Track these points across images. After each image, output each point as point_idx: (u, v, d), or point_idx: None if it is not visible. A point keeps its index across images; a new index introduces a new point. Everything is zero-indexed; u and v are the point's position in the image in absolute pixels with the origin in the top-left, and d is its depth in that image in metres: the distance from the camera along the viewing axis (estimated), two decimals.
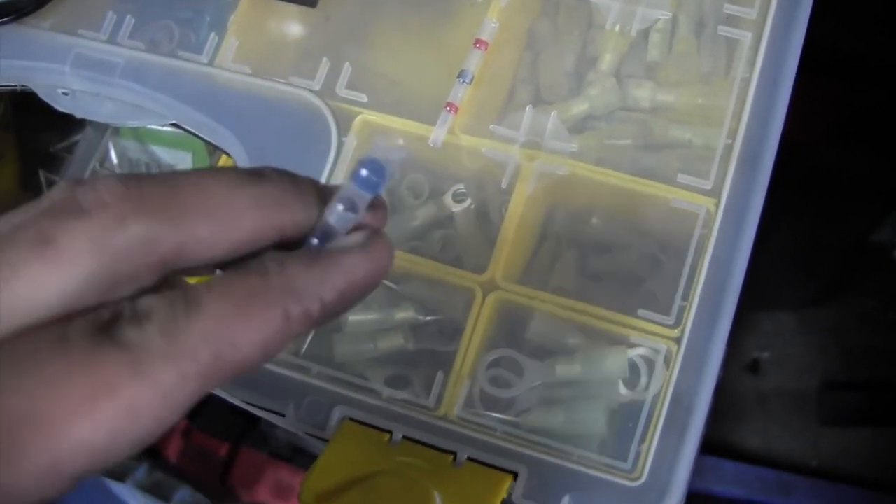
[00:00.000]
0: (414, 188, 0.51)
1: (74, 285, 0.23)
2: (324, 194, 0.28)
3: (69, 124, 0.72)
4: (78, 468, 0.22)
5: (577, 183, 0.48)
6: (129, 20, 0.55)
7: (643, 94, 0.50)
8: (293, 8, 0.54)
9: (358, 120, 0.51)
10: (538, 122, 0.49)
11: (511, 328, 0.47)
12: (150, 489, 0.73)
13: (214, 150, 0.63)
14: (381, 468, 0.43)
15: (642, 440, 0.44)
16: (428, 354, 0.48)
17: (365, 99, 0.51)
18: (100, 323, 0.23)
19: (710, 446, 1.03)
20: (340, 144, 0.50)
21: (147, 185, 0.25)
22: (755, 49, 0.49)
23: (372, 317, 0.48)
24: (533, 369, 0.46)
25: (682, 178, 0.47)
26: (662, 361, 0.45)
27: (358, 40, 0.53)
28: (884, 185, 0.98)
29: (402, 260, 0.48)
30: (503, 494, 0.42)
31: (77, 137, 0.73)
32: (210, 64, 0.54)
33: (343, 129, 0.51)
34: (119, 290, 0.24)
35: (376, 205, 0.28)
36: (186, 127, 0.53)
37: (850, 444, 1.04)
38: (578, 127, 0.50)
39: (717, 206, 0.46)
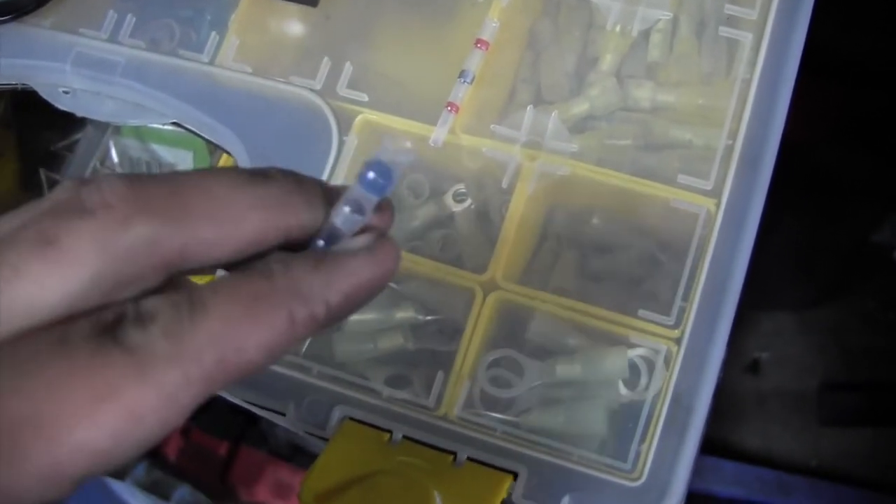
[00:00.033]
0: (414, 188, 0.51)
1: (77, 286, 0.23)
2: (330, 195, 0.27)
3: (70, 123, 0.72)
4: (79, 471, 0.22)
5: (577, 183, 0.48)
6: (130, 19, 0.55)
7: (644, 94, 0.50)
8: (294, 7, 0.54)
9: (359, 119, 0.51)
10: (539, 122, 0.49)
11: (511, 328, 0.47)
12: (149, 487, 0.74)
13: (215, 149, 0.63)
14: (381, 468, 0.43)
15: (642, 440, 0.44)
16: (428, 354, 0.48)
17: (366, 98, 0.51)
18: (103, 324, 0.23)
19: (710, 446, 1.03)
20: (341, 144, 0.50)
21: (151, 185, 0.24)
22: (756, 50, 0.49)
23: (372, 316, 0.48)
24: (533, 369, 0.46)
25: (682, 178, 0.47)
26: (662, 362, 0.45)
27: (359, 40, 0.53)
28: (884, 186, 0.98)
29: (403, 259, 0.48)
30: (503, 494, 0.42)
31: (78, 136, 0.73)
32: (211, 63, 0.54)
33: (344, 129, 0.51)
34: (122, 291, 0.24)
35: (383, 206, 0.28)
36: (187, 126, 0.53)
37: (850, 445, 1.04)
38: (579, 127, 0.50)
39: (717, 206, 0.46)
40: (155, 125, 0.55)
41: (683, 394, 0.44)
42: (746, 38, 0.49)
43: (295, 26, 0.54)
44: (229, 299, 0.24)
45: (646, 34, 0.51)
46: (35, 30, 0.56)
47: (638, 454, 0.44)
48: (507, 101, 0.51)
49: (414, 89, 0.51)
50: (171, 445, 0.76)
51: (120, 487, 0.73)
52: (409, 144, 0.24)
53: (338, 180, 0.50)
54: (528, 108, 0.49)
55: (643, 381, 0.45)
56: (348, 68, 0.52)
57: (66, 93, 0.55)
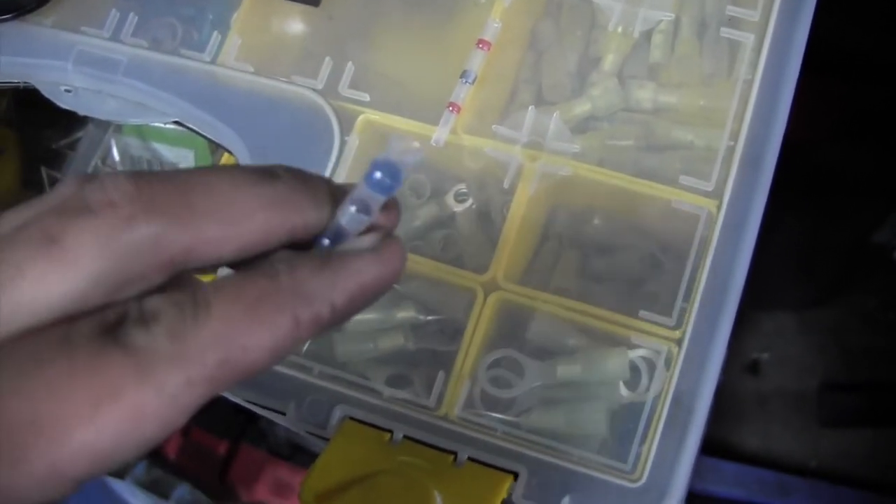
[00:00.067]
0: (416, 188, 0.51)
1: (80, 286, 0.22)
2: (336, 194, 0.27)
3: (71, 121, 0.72)
4: (79, 473, 0.22)
5: (578, 183, 0.48)
6: (132, 18, 0.55)
7: (645, 95, 0.50)
8: (296, 7, 0.54)
9: (360, 119, 0.51)
10: (540, 123, 0.49)
11: (512, 328, 0.47)
12: (149, 486, 0.74)
13: (216, 148, 0.63)
14: (381, 468, 0.43)
15: (643, 441, 0.44)
16: (429, 354, 0.48)
17: (367, 98, 0.51)
18: (105, 324, 0.23)
19: (710, 447, 1.03)
20: (343, 144, 0.50)
21: (156, 183, 0.24)
22: (757, 51, 0.49)
23: (373, 316, 0.48)
24: (534, 370, 0.46)
25: (683, 179, 0.47)
26: (663, 362, 0.45)
27: (361, 40, 0.53)
28: (885, 185, 0.98)
29: None
30: (503, 494, 0.43)
31: (79, 134, 0.73)
32: (213, 62, 0.54)
33: (345, 129, 0.51)
34: (126, 290, 0.23)
35: (389, 206, 0.27)
36: (189, 125, 0.53)
37: (850, 445, 1.04)
38: (580, 127, 0.50)
39: (718, 207, 0.46)
40: (156, 124, 0.55)
41: (684, 395, 0.44)
42: (748, 39, 0.49)
43: (297, 26, 0.54)
44: (233, 299, 0.24)
45: (647, 35, 0.51)
46: (37, 28, 0.56)
47: (638, 455, 0.44)
48: (508, 101, 0.51)
49: (416, 89, 0.51)
50: (171, 444, 0.76)
51: (120, 486, 0.73)
52: (416, 144, 0.23)
53: (339, 180, 0.49)
54: (530, 108, 0.49)
55: (644, 381, 0.45)
56: (350, 68, 0.52)
57: (67, 91, 0.55)
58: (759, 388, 1.07)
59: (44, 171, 0.73)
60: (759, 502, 1.00)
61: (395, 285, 0.48)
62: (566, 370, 0.46)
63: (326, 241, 0.27)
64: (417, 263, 0.48)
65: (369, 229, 0.27)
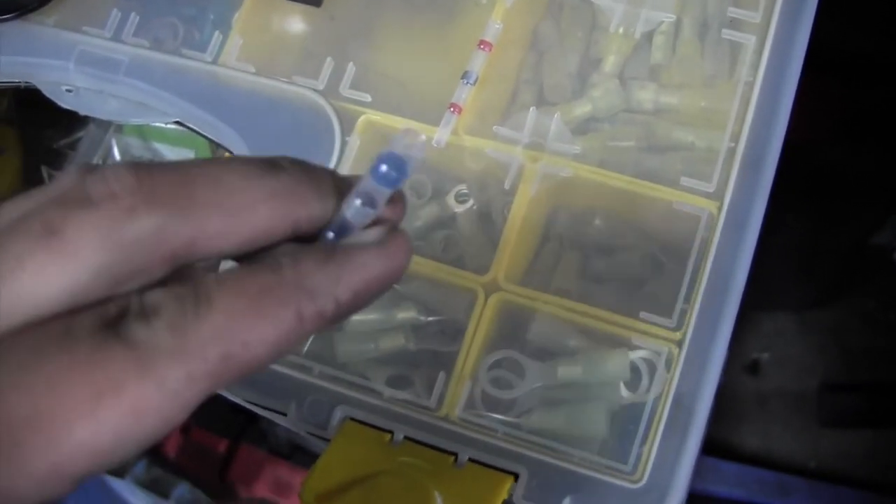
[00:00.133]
0: (417, 188, 0.51)
1: (80, 278, 0.22)
2: (341, 186, 0.26)
3: (72, 121, 0.72)
4: (79, 469, 0.21)
5: (579, 184, 0.48)
6: (134, 18, 0.55)
7: (646, 96, 0.50)
8: (298, 7, 0.54)
9: (361, 120, 0.51)
10: (541, 124, 0.49)
11: (513, 329, 0.47)
12: (149, 485, 0.73)
13: (217, 148, 0.63)
14: (382, 468, 0.43)
15: (643, 442, 0.44)
16: (429, 355, 0.48)
17: (369, 99, 0.51)
18: (106, 318, 0.22)
19: (710, 447, 1.03)
20: (344, 144, 0.51)
21: (158, 175, 0.24)
22: (759, 52, 0.49)
23: (374, 317, 0.48)
24: (534, 370, 0.46)
25: (684, 180, 0.47)
26: (664, 364, 0.45)
27: (362, 40, 0.53)
28: (886, 187, 0.98)
29: None
30: (504, 495, 0.43)
31: (80, 134, 0.73)
32: (214, 62, 0.54)
33: (346, 129, 0.51)
34: (127, 283, 0.23)
35: (395, 199, 0.27)
36: (190, 125, 0.53)
37: (850, 446, 1.04)
38: (581, 128, 0.50)
39: (719, 209, 0.46)
40: (158, 124, 0.55)
41: (685, 396, 0.44)
42: (749, 40, 0.49)
43: (298, 26, 0.54)
44: (235, 293, 0.23)
45: (649, 36, 0.51)
46: (39, 28, 0.56)
47: (639, 456, 0.44)
48: (509, 102, 0.51)
49: (417, 90, 0.51)
50: (171, 443, 0.76)
51: (119, 485, 0.73)
52: (423, 137, 0.23)
53: None
54: (531, 109, 0.49)
55: (644, 382, 0.45)
56: (351, 69, 0.52)
57: (69, 91, 0.55)
58: (759, 388, 1.07)
59: (45, 170, 0.73)
60: (759, 502, 1.00)
61: (396, 286, 0.49)
62: (567, 371, 0.46)
63: (331, 235, 0.26)
64: (418, 264, 0.48)
65: (375, 223, 0.27)
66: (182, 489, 0.74)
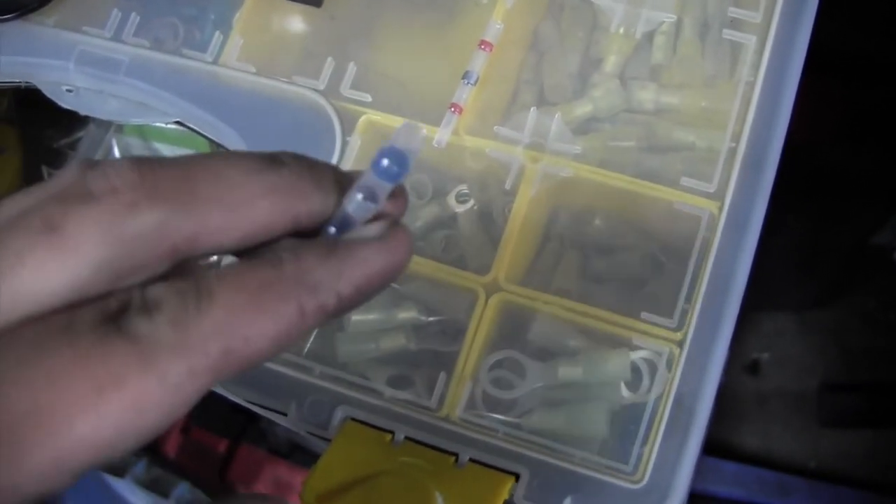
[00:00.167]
0: (417, 188, 0.51)
1: (81, 274, 0.22)
2: (342, 181, 0.26)
3: (73, 121, 0.72)
4: (80, 463, 0.21)
5: (580, 185, 0.48)
6: (134, 18, 0.55)
7: (647, 96, 0.50)
8: (298, 7, 0.54)
9: (362, 120, 0.51)
10: (542, 124, 0.49)
11: (513, 329, 0.47)
12: (149, 485, 0.73)
13: (218, 148, 0.63)
14: (382, 468, 0.43)
15: (644, 442, 0.44)
16: (430, 355, 0.48)
17: (369, 99, 0.51)
18: (107, 313, 0.22)
19: (711, 447, 1.03)
20: (344, 144, 0.50)
21: (159, 170, 0.24)
22: (759, 53, 0.49)
23: (374, 317, 0.48)
24: (535, 371, 0.46)
25: (685, 181, 0.47)
26: (665, 364, 0.45)
27: (363, 40, 0.53)
28: (886, 187, 0.98)
29: None
30: (505, 496, 0.43)
31: (80, 134, 0.73)
32: (214, 62, 0.54)
33: (347, 129, 0.51)
34: (128, 278, 0.23)
35: (397, 193, 0.27)
36: (190, 125, 0.53)
37: (850, 446, 1.04)
38: (582, 129, 0.50)
39: (720, 209, 0.46)
40: (158, 124, 0.55)
41: (685, 396, 0.44)
42: (750, 40, 0.49)
43: (299, 26, 0.54)
44: (236, 288, 0.23)
45: (649, 36, 0.51)
46: (39, 28, 0.56)
47: (640, 456, 0.44)
48: (510, 102, 0.51)
49: (417, 90, 0.51)
50: (171, 443, 0.76)
51: (119, 485, 0.73)
52: (424, 132, 0.23)
53: None
54: (532, 109, 0.49)
55: (645, 383, 0.45)
56: (352, 69, 0.52)
57: (69, 91, 0.55)
58: (759, 388, 1.07)
59: (45, 170, 0.73)
60: (759, 502, 1.00)
61: (397, 286, 0.49)
62: (567, 371, 0.46)
63: (332, 230, 0.26)
64: (419, 264, 0.48)
65: (376, 217, 0.27)
66: (182, 489, 0.74)
